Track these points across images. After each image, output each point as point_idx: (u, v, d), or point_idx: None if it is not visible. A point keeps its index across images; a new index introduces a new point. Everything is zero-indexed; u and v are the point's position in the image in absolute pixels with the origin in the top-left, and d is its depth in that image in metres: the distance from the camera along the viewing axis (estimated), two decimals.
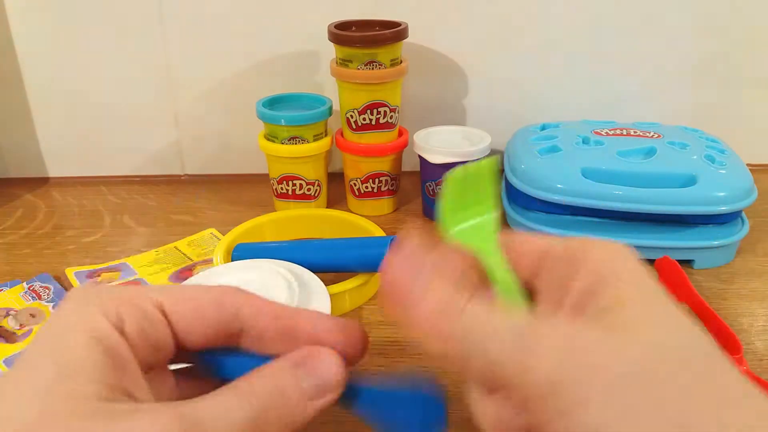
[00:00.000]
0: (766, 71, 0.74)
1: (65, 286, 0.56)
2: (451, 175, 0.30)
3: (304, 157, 0.65)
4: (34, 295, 0.54)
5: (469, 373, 0.24)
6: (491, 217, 0.31)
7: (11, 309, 0.52)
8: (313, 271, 0.49)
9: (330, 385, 0.26)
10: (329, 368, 0.26)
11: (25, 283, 0.55)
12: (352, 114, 0.64)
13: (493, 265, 0.29)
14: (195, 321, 0.26)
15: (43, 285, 0.55)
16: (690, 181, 0.56)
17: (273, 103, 0.67)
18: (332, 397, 0.26)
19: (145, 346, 0.25)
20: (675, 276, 0.52)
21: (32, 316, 0.52)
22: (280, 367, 0.26)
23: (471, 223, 0.31)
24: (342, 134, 0.67)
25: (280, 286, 0.45)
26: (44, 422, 0.21)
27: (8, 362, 0.46)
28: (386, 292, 0.26)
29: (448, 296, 0.24)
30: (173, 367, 0.28)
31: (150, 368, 0.25)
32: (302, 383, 0.25)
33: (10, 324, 0.50)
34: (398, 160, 0.68)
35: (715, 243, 0.57)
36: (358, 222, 0.61)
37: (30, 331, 0.50)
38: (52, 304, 0.53)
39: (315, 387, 0.25)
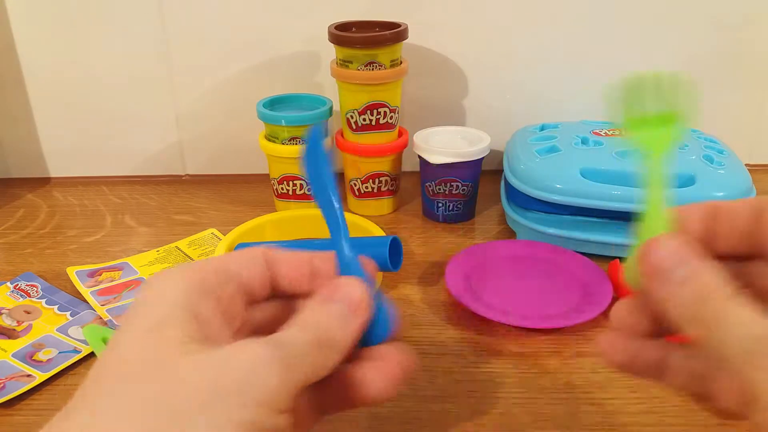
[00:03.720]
0: (764, 71, 0.74)
1: (61, 285, 0.56)
2: (629, 78, 0.32)
3: None
4: (22, 293, 0.54)
5: (706, 351, 0.25)
6: (673, 128, 0.31)
7: (2, 308, 0.52)
8: None
9: (358, 306, 0.29)
10: (352, 292, 0.29)
11: (9, 283, 0.56)
12: (353, 114, 0.65)
13: (653, 179, 0.30)
14: (251, 269, 0.30)
15: (29, 283, 0.56)
16: (689, 181, 0.57)
17: (273, 103, 0.67)
18: (365, 315, 0.29)
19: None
20: None
21: (27, 312, 0.52)
22: (311, 306, 0.29)
23: (651, 129, 0.31)
24: (342, 135, 0.67)
25: None
26: (145, 359, 0.25)
27: (16, 356, 0.47)
28: (647, 270, 0.27)
29: (714, 285, 0.25)
30: None
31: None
32: (334, 312, 0.28)
33: (6, 322, 0.51)
34: (398, 161, 0.68)
35: None
36: (358, 222, 0.61)
37: (30, 326, 0.50)
38: (44, 300, 0.54)
39: (346, 312, 0.28)
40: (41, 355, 0.47)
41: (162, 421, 0.23)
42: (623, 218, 0.58)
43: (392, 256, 0.51)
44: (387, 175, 0.67)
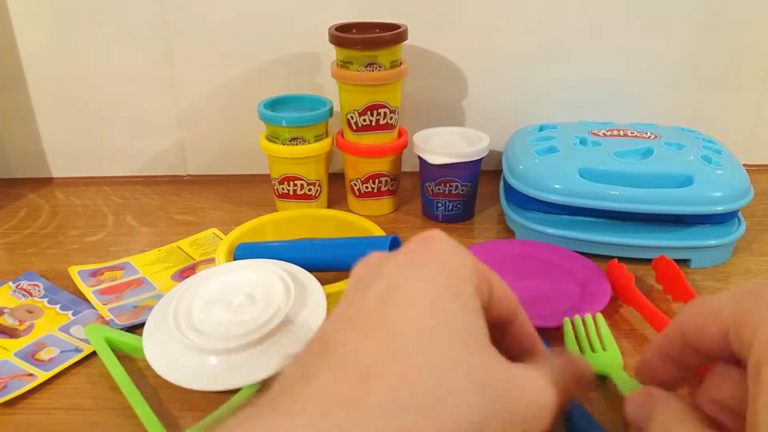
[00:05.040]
0: (762, 72, 0.74)
1: (63, 285, 0.56)
2: (567, 325, 0.46)
3: (305, 158, 0.65)
4: (24, 292, 0.55)
5: None
6: (613, 353, 0.44)
7: (4, 308, 0.53)
8: (314, 271, 0.49)
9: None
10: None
11: (11, 282, 0.56)
12: (353, 115, 0.65)
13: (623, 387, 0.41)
14: (502, 300, 0.33)
15: (31, 283, 0.56)
16: (687, 181, 0.57)
17: (274, 104, 0.68)
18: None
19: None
20: (672, 275, 0.52)
21: (29, 312, 0.52)
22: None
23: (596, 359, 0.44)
24: (342, 135, 0.68)
25: (278, 286, 0.45)
26: (454, 346, 0.26)
27: (18, 355, 0.47)
28: (629, 424, 0.32)
29: (666, 410, 0.30)
30: None
31: None
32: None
33: (8, 321, 0.51)
34: (398, 161, 0.69)
35: (712, 243, 0.57)
36: (358, 222, 0.61)
37: (32, 326, 0.50)
38: (46, 299, 0.54)
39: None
40: (43, 355, 0.47)
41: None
42: (621, 218, 0.58)
43: None
44: (387, 176, 0.68)
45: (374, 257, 0.32)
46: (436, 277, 0.28)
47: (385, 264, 0.30)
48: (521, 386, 0.27)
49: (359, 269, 0.32)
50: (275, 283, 0.46)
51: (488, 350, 0.27)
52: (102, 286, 0.56)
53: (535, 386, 0.28)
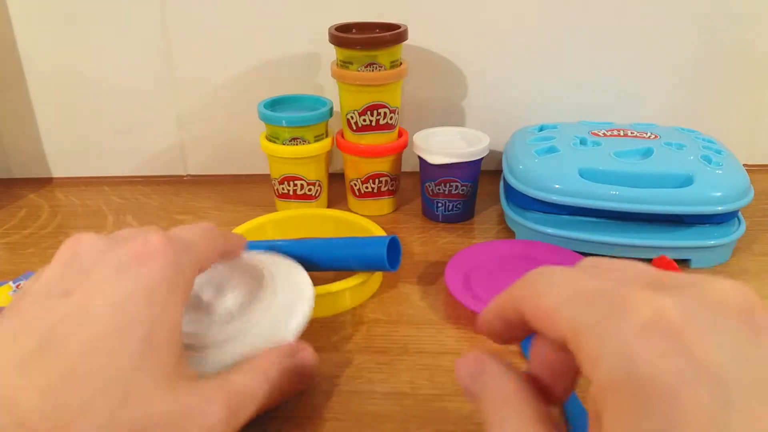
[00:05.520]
0: (762, 72, 0.75)
1: None
2: None
3: (305, 158, 0.65)
4: None
5: None
6: None
7: (4, 308, 0.52)
8: (314, 270, 0.49)
9: (310, 375, 0.38)
10: (311, 361, 0.39)
11: (11, 282, 0.56)
12: (353, 115, 0.65)
13: None
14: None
15: None
16: (687, 181, 0.57)
17: (274, 104, 0.68)
18: (310, 383, 0.39)
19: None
20: None
21: None
22: (281, 353, 0.37)
23: None
24: (342, 135, 0.68)
25: (256, 281, 0.43)
26: (132, 390, 0.28)
27: None
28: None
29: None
30: None
31: None
32: (297, 369, 0.37)
33: None
34: (398, 161, 0.69)
35: (712, 243, 0.57)
36: (358, 222, 0.61)
37: None
38: None
39: (302, 373, 0.37)
40: None
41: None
42: (621, 218, 0.58)
43: (390, 255, 0.51)
44: (387, 176, 0.68)
45: (89, 248, 0.32)
46: (134, 312, 0.29)
47: (90, 274, 0.31)
48: (188, 417, 0.30)
49: (67, 254, 0.32)
50: (255, 279, 0.44)
51: (163, 384, 0.29)
52: None
53: (201, 419, 0.30)
